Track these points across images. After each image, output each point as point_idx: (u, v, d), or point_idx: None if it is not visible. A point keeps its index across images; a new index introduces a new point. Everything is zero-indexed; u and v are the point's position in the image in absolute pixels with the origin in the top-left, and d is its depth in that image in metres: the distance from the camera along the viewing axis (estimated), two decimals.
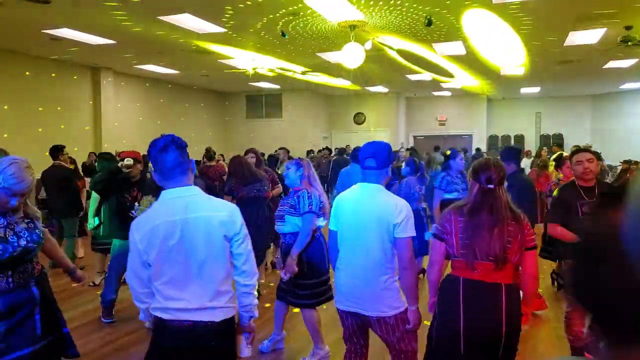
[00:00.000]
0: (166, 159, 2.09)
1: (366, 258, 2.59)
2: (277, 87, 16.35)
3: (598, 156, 3.99)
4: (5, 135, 9.55)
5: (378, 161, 2.64)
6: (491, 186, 2.46)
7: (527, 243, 2.46)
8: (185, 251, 2.07)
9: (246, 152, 6.01)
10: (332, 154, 14.50)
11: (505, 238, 2.39)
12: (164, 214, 2.08)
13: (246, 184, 5.30)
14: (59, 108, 11.16)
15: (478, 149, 16.44)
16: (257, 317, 2.34)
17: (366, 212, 2.61)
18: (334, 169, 11.18)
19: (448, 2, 6.92)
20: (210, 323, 2.10)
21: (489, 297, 2.41)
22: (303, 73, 12.95)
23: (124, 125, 13.05)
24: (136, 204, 4.56)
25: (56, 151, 6.75)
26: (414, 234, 2.58)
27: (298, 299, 3.75)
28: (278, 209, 3.81)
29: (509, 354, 2.49)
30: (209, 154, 8.18)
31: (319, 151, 15.46)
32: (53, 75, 10.98)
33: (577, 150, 3.95)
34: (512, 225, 2.42)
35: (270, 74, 12.36)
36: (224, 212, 2.16)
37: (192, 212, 2.09)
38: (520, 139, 19.87)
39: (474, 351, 2.42)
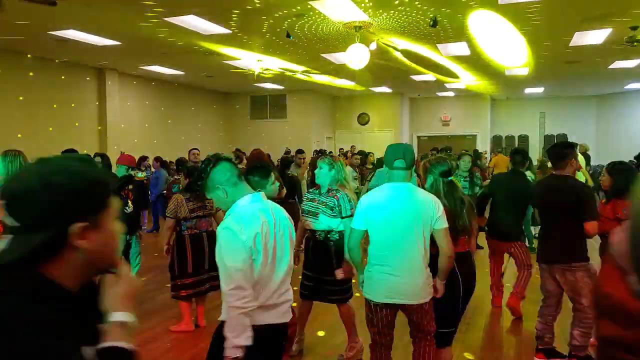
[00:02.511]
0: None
1: (410, 253, 2.77)
2: (282, 87, 16.37)
3: None
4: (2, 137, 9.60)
5: (407, 161, 2.82)
6: (448, 178, 3.10)
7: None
8: (278, 252, 2.18)
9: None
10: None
11: (470, 215, 3.15)
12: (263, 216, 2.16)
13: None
14: (66, 105, 11.20)
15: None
16: None
17: (407, 210, 2.76)
18: None
19: (453, 3, 6.92)
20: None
21: (468, 263, 3.19)
22: (304, 72, 12.96)
23: (129, 125, 13.09)
24: (129, 201, 4.95)
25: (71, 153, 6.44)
26: (447, 224, 2.87)
27: (335, 295, 3.75)
28: (308, 204, 3.80)
29: None
30: (237, 154, 8.49)
31: (318, 152, 15.41)
32: (58, 76, 11.03)
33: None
34: (470, 206, 3.18)
35: (272, 72, 12.37)
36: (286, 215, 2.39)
37: (276, 213, 2.25)
38: (524, 139, 19.83)
39: (464, 307, 3.20)
